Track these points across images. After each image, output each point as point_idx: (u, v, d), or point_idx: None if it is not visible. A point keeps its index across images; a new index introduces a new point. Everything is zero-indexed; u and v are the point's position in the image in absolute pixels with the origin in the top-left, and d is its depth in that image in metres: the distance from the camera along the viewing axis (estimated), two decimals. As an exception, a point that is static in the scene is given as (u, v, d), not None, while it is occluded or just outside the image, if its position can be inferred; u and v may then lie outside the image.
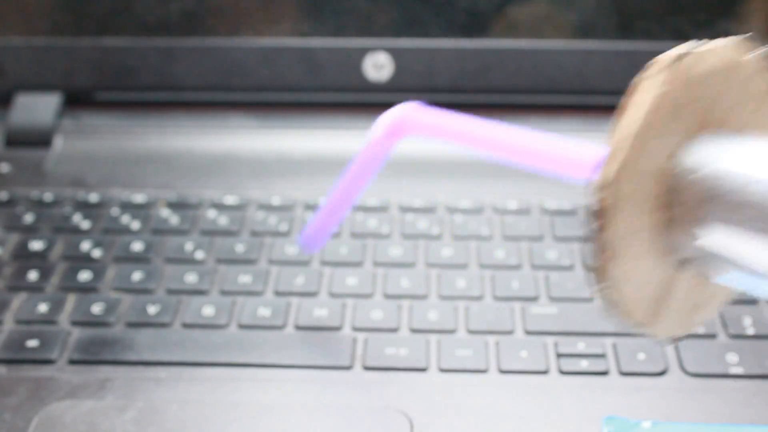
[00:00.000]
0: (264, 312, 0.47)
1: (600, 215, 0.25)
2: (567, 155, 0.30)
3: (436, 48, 0.61)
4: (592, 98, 0.62)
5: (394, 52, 0.61)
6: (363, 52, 0.61)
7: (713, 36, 0.27)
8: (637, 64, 0.59)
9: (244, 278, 0.49)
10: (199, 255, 0.51)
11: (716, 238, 0.24)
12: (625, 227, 0.25)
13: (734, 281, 0.25)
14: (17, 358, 0.44)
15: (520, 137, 0.32)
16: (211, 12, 0.62)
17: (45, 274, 0.50)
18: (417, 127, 0.38)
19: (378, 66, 0.61)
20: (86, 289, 0.49)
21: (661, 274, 0.27)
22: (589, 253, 0.25)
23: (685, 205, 0.25)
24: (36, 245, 0.52)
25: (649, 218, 0.25)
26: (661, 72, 0.25)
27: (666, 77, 0.25)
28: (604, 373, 0.44)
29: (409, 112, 0.38)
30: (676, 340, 0.28)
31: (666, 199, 0.25)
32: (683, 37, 0.60)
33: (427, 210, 0.55)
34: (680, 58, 0.25)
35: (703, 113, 0.26)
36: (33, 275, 0.50)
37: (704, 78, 0.26)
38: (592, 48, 0.61)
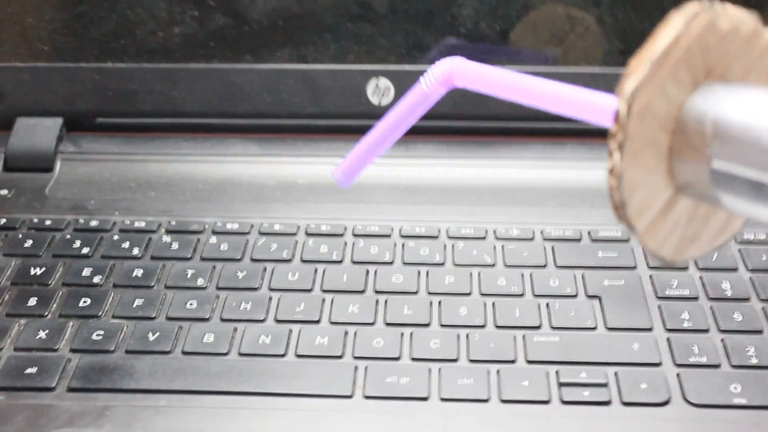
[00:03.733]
0: (265, 340, 0.47)
1: (618, 121, 0.27)
2: (593, 102, 0.33)
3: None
4: (596, 126, 0.62)
5: (396, 77, 0.61)
6: (366, 77, 0.61)
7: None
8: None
9: (245, 305, 0.49)
10: (200, 281, 0.51)
11: (722, 170, 0.27)
12: (637, 138, 0.27)
13: (736, 209, 0.28)
14: (16, 385, 0.44)
15: (552, 87, 0.36)
16: (213, 37, 0.62)
17: (45, 301, 0.49)
18: (464, 78, 0.39)
19: (380, 91, 0.61)
20: (86, 316, 0.48)
21: (668, 193, 0.29)
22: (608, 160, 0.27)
23: (691, 142, 0.28)
24: (36, 271, 0.52)
25: (660, 138, 0.28)
26: (687, 16, 0.27)
27: (690, 21, 0.27)
28: (606, 403, 0.44)
29: (458, 64, 0.40)
30: (668, 264, 0.30)
31: (676, 136, 0.28)
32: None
33: (429, 237, 0.54)
34: (706, 10, 0.27)
35: (715, 65, 0.28)
36: (33, 301, 0.49)
37: (723, 35, 0.28)
38: (593, 74, 0.61)
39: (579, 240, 0.54)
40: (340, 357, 0.46)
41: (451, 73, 0.40)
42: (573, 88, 0.35)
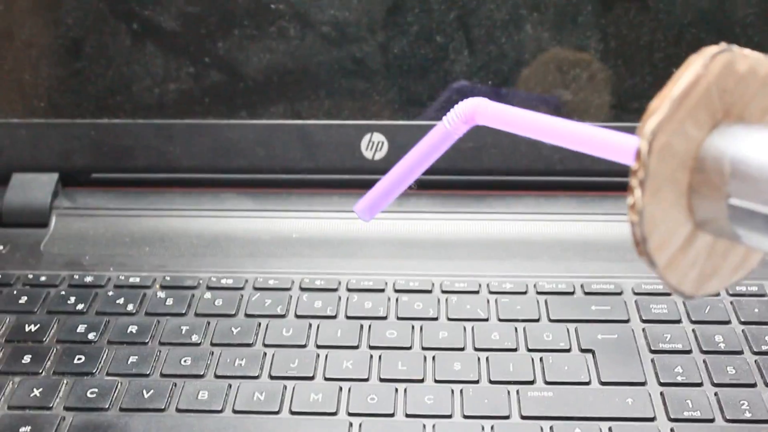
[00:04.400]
0: (259, 396, 0.47)
1: (639, 159, 0.28)
2: (613, 141, 0.34)
3: (431, 128, 0.61)
4: (588, 179, 0.62)
5: (390, 132, 0.62)
6: (360, 132, 0.62)
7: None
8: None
9: (240, 361, 0.49)
10: (195, 337, 0.51)
11: (738, 210, 0.28)
12: (658, 175, 0.28)
13: (755, 244, 0.29)
14: (10, 444, 0.44)
15: (573, 126, 0.37)
16: (208, 93, 0.62)
17: (39, 358, 0.49)
18: (485, 116, 0.41)
19: (374, 145, 0.62)
20: (81, 373, 0.48)
21: (688, 228, 0.30)
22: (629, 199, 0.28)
23: (709, 180, 0.29)
24: (31, 328, 0.52)
25: (680, 176, 0.29)
26: (706, 58, 0.28)
27: (708, 63, 0.28)
28: (601, 459, 0.44)
29: (480, 103, 0.41)
30: (690, 298, 0.31)
31: (695, 168, 0.29)
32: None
33: (423, 292, 0.55)
34: (724, 51, 0.28)
35: (733, 105, 0.29)
36: (27, 359, 0.49)
37: (741, 77, 0.29)
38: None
39: (572, 293, 0.54)
40: (334, 414, 0.46)
41: (474, 112, 0.42)
42: (593, 127, 0.36)
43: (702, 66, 0.28)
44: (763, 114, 0.30)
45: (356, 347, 0.50)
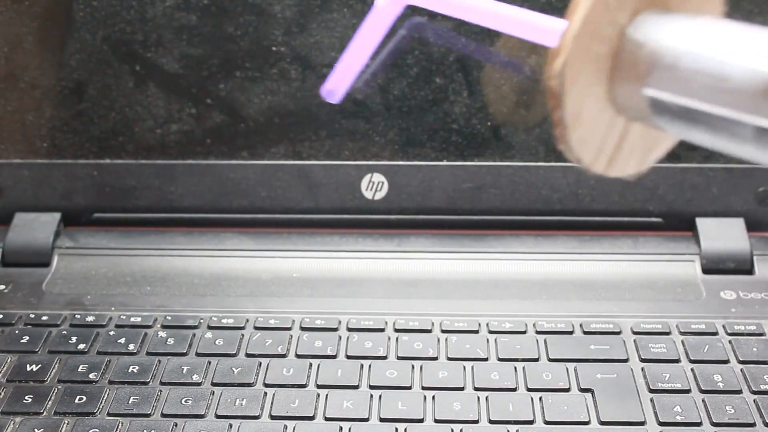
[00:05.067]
0: (260, 436, 0.47)
1: (556, 57, 0.29)
2: (541, 23, 0.37)
3: (430, 168, 0.62)
4: (586, 219, 0.63)
5: (390, 172, 0.62)
6: (360, 172, 0.62)
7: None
8: (630, 185, 0.61)
9: (240, 401, 0.49)
10: (196, 377, 0.51)
11: (657, 96, 0.30)
12: (576, 73, 0.30)
13: (673, 130, 0.31)
14: (11, 485, 0.44)
15: (504, 8, 0.40)
16: (210, 134, 0.63)
17: (41, 398, 0.50)
18: None
19: (374, 186, 0.62)
20: (82, 414, 0.49)
21: (607, 112, 0.32)
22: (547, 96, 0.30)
23: (631, 70, 0.30)
24: (32, 368, 0.52)
25: (599, 71, 0.31)
26: None
27: None
28: (601, 499, 0.44)
29: None
30: (628, 177, 0.34)
31: (616, 60, 0.31)
32: (676, 159, 0.61)
33: (423, 331, 0.55)
34: None
35: None
36: (29, 399, 0.50)
37: None
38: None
39: (571, 332, 0.55)
40: (335, 453, 0.46)
41: None
42: (523, 10, 0.38)
43: None
44: (682, 2, 0.31)
45: (356, 387, 0.51)
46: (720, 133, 0.28)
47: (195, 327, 0.55)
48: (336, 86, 0.50)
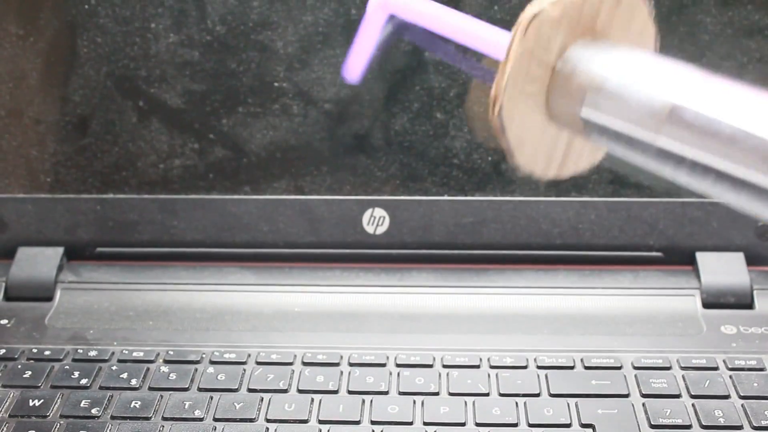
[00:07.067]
0: (262, 472, 0.47)
1: (494, 103, 0.34)
2: (489, 37, 0.40)
3: (431, 203, 0.63)
4: (586, 254, 0.63)
5: (391, 207, 0.63)
6: (362, 207, 0.63)
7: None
8: (630, 219, 0.61)
9: (242, 437, 0.49)
10: (198, 412, 0.51)
11: (587, 114, 0.34)
12: (512, 111, 0.34)
13: (605, 145, 0.34)
14: None
15: (460, 21, 0.43)
16: (212, 169, 0.63)
17: (43, 433, 0.50)
18: (395, 7, 0.47)
19: (375, 220, 0.63)
20: (84, 449, 0.49)
21: (553, 135, 0.36)
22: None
23: (562, 98, 0.35)
24: (35, 403, 0.52)
25: (536, 103, 0.35)
26: None
27: None
28: None
29: None
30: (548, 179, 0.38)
31: (550, 90, 0.35)
32: (675, 195, 0.61)
33: (424, 366, 0.55)
34: None
35: (594, 21, 0.35)
36: (31, 434, 0.50)
37: None
38: (586, 204, 0.62)
39: (572, 368, 0.55)
40: (336, 490, 0.46)
41: (386, 3, 0.48)
42: (477, 23, 0.42)
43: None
44: (622, 32, 0.36)
45: (358, 422, 0.51)
46: (634, 150, 0.32)
47: (197, 362, 0.55)
48: (355, 65, 0.53)
